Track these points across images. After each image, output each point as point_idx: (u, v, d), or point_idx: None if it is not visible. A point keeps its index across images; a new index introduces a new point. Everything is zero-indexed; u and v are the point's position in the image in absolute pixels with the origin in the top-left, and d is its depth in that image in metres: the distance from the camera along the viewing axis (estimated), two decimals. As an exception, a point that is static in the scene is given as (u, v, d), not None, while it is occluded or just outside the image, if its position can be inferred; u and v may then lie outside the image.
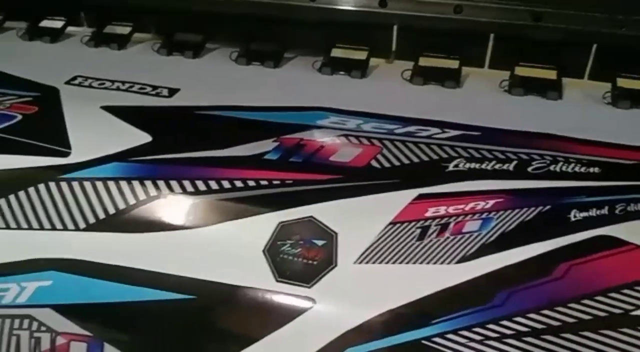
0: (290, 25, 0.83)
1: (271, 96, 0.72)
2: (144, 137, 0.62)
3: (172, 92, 0.72)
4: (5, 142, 0.63)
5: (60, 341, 0.56)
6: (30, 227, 0.57)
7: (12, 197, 0.58)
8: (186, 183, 0.56)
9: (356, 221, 0.52)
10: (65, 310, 0.55)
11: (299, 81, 0.77)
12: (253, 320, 0.51)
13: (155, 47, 0.84)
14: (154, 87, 0.73)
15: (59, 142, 0.62)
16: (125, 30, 0.87)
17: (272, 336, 0.49)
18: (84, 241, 0.55)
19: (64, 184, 0.58)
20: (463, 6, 0.74)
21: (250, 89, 0.75)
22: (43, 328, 0.57)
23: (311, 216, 0.52)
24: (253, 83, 0.77)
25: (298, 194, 0.55)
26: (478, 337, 0.46)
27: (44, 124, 0.66)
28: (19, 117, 0.67)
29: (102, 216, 0.56)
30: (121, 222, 0.55)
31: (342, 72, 0.77)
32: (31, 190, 0.58)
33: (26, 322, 0.57)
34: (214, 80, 0.77)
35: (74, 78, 0.76)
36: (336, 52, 0.79)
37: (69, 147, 0.62)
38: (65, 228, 0.56)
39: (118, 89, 0.74)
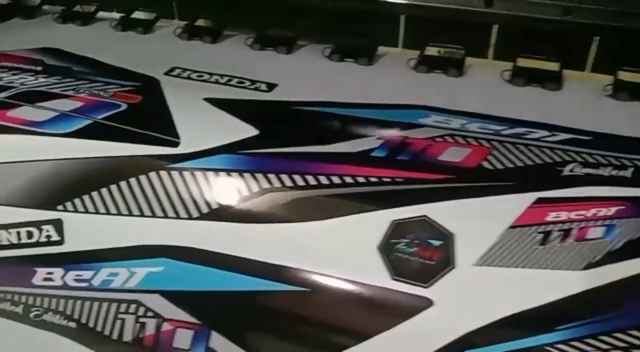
0: (382, 21, 0.82)
1: (368, 93, 0.71)
2: (250, 130, 0.63)
3: (271, 86, 0.73)
4: (114, 130, 0.65)
5: (166, 327, 0.58)
6: (142, 214, 0.58)
7: (123, 184, 0.60)
8: (296, 177, 0.57)
9: (473, 222, 0.51)
10: (175, 297, 0.56)
11: (395, 79, 0.76)
12: (367, 316, 0.51)
13: (248, 41, 0.85)
14: (252, 82, 0.74)
15: (168, 131, 0.63)
16: (216, 25, 0.88)
17: (386, 333, 0.49)
18: (197, 230, 0.56)
19: (175, 173, 0.59)
20: (573, 8, 0.73)
21: (346, 86, 0.74)
22: (150, 314, 0.58)
23: (425, 216, 0.52)
24: (348, 79, 0.76)
25: (410, 192, 0.54)
26: (604, 347, 0.45)
27: (150, 114, 0.67)
28: (124, 105, 0.69)
29: (214, 205, 0.57)
30: (234, 212, 0.56)
31: (438, 71, 0.77)
32: (142, 178, 0.60)
33: (133, 306, 0.59)
34: (310, 76, 0.77)
35: (172, 69, 0.78)
36: (431, 51, 0.79)
37: (178, 137, 0.63)
38: (177, 216, 0.57)
39: (217, 82, 0.75)
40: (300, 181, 0.57)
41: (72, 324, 0.63)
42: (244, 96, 0.71)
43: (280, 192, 0.56)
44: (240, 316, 0.55)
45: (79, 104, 0.70)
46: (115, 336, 0.60)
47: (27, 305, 0.65)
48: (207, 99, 0.70)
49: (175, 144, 0.62)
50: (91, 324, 0.62)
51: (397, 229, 0.52)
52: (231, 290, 0.54)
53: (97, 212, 0.59)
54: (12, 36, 0.94)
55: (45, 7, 1.02)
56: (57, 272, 0.61)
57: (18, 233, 0.62)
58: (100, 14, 0.97)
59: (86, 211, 0.60)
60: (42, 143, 0.65)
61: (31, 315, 0.65)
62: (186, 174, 0.59)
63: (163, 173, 0.59)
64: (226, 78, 0.75)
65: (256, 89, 0.73)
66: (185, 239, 0.56)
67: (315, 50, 0.83)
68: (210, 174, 0.58)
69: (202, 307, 0.56)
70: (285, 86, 0.73)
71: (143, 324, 0.59)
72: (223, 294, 0.55)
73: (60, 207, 0.61)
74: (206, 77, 0.76)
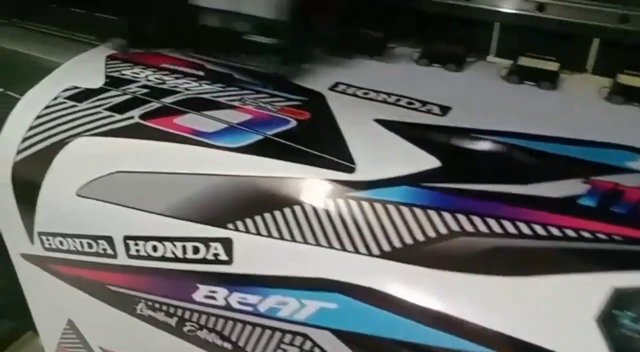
0: (572, 43, 0.74)
1: (557, 124, 0.64)
2: (431, 161, 0.58)
3: (444, 110, 0.67)
4: (286, 148, 0.62)
5: (332, 365, 0.54)
6: (318, 244, 0.55)
7: (297, 208, 0.57)
8: (491, 222, 0.51)
9: None
10: (349, 338, 0.53)
11: (585, 108, 0.68)
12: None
13: (414, 56, 0.80)
14: (423, 103, 0.69)
15: (342, 155, 0.60)
16: (379, 36, 0.83)
17: None
18: (377, 269, 0.52)
19: (353, 203, 0.55)
20: None
21: (530, 113, 0.67)
22: (317, 350, 0.55)
23: (657, 286, 0.45)
24: (530, 106, 0.69)
25: (633, 254, 0.47)
26: None
27: (321, 133, 0.64)
28: (294, 122, 0.66)
29: (397, 244, 0.52)
30: (419, 255, 0.51)
31: (636, 103, 0.68)
32: (319, 204, 0.56)
33: (299, 339, 0.56)
34: (486, 99, 0.71)
35: (336, 85, 0.74)
36: (626, 79, 0.70)
37: (353, 162, 0.59)
38: (356, 251, 0.53)
39: (385, 101, 0.70)
40: (496, 227, 0.51)
41: (228, 345, 0.62)
42: (417, 119, 0.66)
43: (473, 237, 0.51)
44: (419, 369, 0.50)
45: (247, 117, 0.68)
46: (273, 365, 0.58)
47: (182, 318, 0.64)
48: (377, 120, 0.65)
49: (351, 170, 0.58)
50: (249, 349, 0.60)
51: (621, 298, 0.45)
52: (409, 341, 0.50)
53: (269, 236, 0.57)
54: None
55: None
56: (221, 291, 0.60)
57: (184, 247, 0.61)
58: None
59: (258, 233, 0.57)
60: (212, 156, 0.63)
61: (185, 329, 0.64)
62: (365, 204, 0.55)
63: (341, 201, 0.56)
64: (394, 97, 0.70)
65: (428, 111, 0.67)
66: (363, 277, 0.52)
67: (488, 69, 0.77)
68: (390, 207, 0.54)
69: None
70: (460, 110, 0.67)
71: (306, 359, 0.56)
72: (401, 344, 0.50)
73: (230, 225, 0.59)
74: (372, 95, 0.71)
